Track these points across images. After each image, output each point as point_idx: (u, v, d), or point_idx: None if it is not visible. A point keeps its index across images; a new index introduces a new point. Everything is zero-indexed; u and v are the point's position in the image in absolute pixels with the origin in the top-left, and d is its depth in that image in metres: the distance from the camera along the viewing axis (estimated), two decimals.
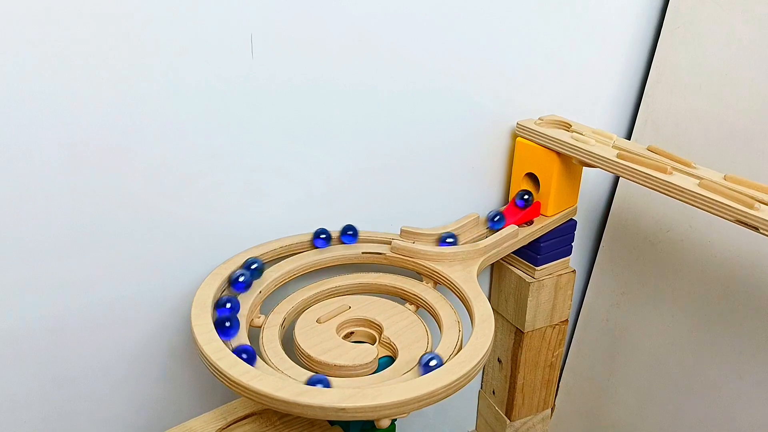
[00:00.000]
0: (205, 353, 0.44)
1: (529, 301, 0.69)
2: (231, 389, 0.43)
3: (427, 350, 0.50)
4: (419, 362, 0.46)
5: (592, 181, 0.76)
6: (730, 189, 0.49)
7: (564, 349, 0.80)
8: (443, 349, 0.49)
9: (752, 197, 0.48)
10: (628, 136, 0.76)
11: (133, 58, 0.46)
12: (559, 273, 0.70)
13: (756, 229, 0.47)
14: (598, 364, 0.82)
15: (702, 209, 0.50)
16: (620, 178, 0.68)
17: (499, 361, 0.78)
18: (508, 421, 0.79)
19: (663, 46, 0.69)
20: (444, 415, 0.85)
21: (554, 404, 0.87)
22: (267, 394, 0.41)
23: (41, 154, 0.45)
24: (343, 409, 0.40)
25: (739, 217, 0.48)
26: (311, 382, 0.43)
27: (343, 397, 0.41)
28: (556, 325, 0.73)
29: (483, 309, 0.50)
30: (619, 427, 0.80)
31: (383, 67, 0.57)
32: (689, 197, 0.51)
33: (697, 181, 0.51)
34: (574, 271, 0.71)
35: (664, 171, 0.53)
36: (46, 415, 0.55)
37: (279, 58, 0.51)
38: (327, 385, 0.43)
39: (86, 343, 0.54)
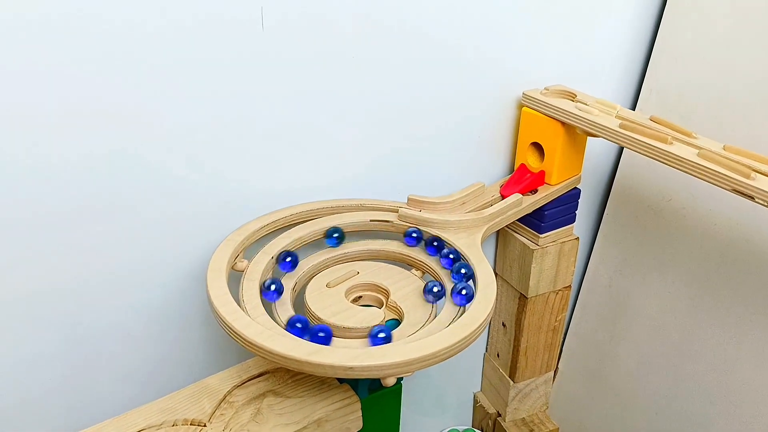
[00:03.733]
0: (221, 315, 0.46)
1: (532, 268, 0.71)
2: (246, 349, 0.45)
3: (431, 314, 0.52)
4: (369, 334, 0.48)
5: (598, 150, 0.77)
6: (727, 159, 0.50)
7: (567, 313, 0.82)
8: (447, 313, 0.51)
9: (749, 167, 0.49)
10: (634, 106, 0.76)
11: (146, 29, 0.47)
12: (563, 240, 0.71)
13: (752, 198, 0.48)
14: (600, 329, 0.84)
15: (700, 178, 0.51)
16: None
17: (504, 325, 0.80)
18: (511, 382, 0.82)
19: (668, 15, 0.70)
20: (451, 376, 0.88)
21: (558, 367, 0.90)
22: (280, 353, 0.43)
23: (58, 123, 0.47)
24: (351, 368, 0.42)
25: (736, 186, 0.49)
26: (291, 322, 0.47)
27: (352, 356, 0.43)
28: (560, 290, 0.75)
29: (486, 275, 0.52)
30: (620, 389, 0.83)
31: (391, 38, 0.58)
32: (688, 167, 0.52)
33: (697, 151, 0.53)
34: (577, 238, 0.73)
35: (664, 141, 0.54)
36: (69, 372, 0.58)
37: (289, 30, 0.53)
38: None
39: (106, 305, 0.56)
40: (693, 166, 0.51)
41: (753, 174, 0.49)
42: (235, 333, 0.45)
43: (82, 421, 0.51)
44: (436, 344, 0.44)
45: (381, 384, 0.48)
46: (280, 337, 0.44)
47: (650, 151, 0.54)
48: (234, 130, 0.55)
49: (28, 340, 0.55)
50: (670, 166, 0.53)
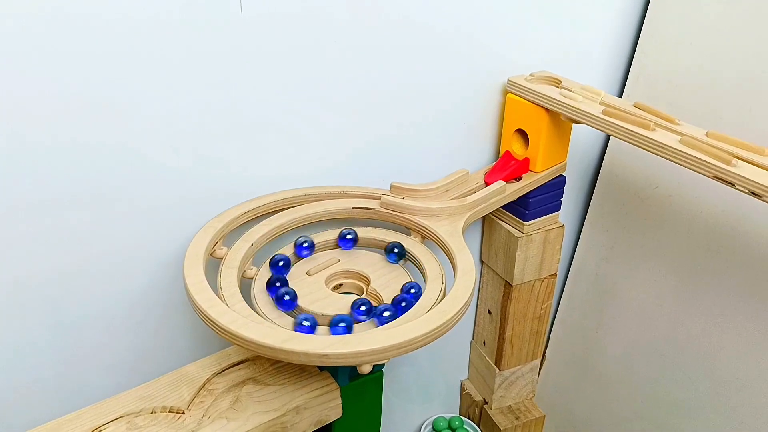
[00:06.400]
0: (197, 303, 0.46)
1: (517, 255, 0.71)
2: (221, 337, 0.45)
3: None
4: (330, 323, 0.49)
5: (585, 137, 0.77)
6: (709, 145, 0.50)
7: (554, 301, 0.82)
8: (426, 300, 0.50)
9: (731, 153, 0.49)
10: (621, 92, 0.76)
11: (128, 19, 0.46)
12: (548, 228, 0.71)
13: (732, 185, 0.48)
14: (587, 316, 0.84)
15: (682, 165, 0.51)
16: None
17: (490, 312, 0.80)
18: (497, 370, 0.82)
19: (655, 1, 0.69)
20: (438, 364, 0.88)
21: (544, 355, 0.90)
22: (254, 340, 0.43)
23: (38, 112, 0.47)
24: (326, 355, 0.42)
25: (716, 173, 0.48)
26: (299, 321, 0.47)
27: (327, 344, 0.43)
28: (545, 278, 0.75)
29: (465, 262, 0.52)
30: (606, 376, 0.83)
31: (374, 24, 0.57)
32: (670, 153, 0.51)
33: (679, 137, 0.52)
34: (562, 226, 0.72)
35: (647, 127, 0.53)
36: (53, 360, 0.58)
37: (271, 17, 0.52)
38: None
39: (86, 293, 0.56)
40: (674, 152, 0.51)
41: (734, 160, 0.48)
42: (210, 320, 0.45)
43: (65, 409, 0.51)
44: (412, 331, 0.44)
45: None
46: (254, 325, 0.44)
47: (633, 137, 0.54)
48: (217, 119, 0.54)
49: (12, 329, 0.54)
50: (652, 152, 0.53)
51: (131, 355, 0.62)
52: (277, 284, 0.51)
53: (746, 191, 0.47)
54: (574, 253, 0.84)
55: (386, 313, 0.48)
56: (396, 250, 0.57)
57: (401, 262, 0.57)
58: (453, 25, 0.61)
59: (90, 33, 0.46)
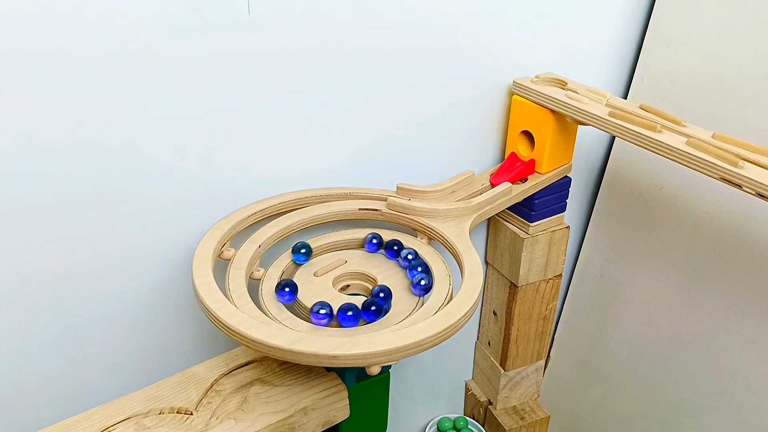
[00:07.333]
0: (206, 303, 0.46)
1: (523, 256, 0.71)
2: (230, 338, 0.45)
3: (418, 303, 0.52)
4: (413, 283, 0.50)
5: (590, 138, 0.77)
6: (716, 147, 0.50)
7: (559, 302, 0.82)
8: (434, 302, 0.51)
9: (737, 155, 0.49)
10: (626, 94, 0.76)
11: (133, 20, 0.47)
12: (553, 229, 0.71)
13: (739, 186, 0.48)
14: (591, 317, 0.84)
15: (689, 167, 0.51)
16: None
17: (495, 313, 0.80)
18: (502, 371, 0.82)
19: (661, 2, 0.69)
20: (442, 364, 0.88)
21: (549, 355, 0.90)
22: (263, 342, 0.43)
23: (45, 113, 0.47)
24: (335, 357, 0.42)
25: (724, 174, 0.49)
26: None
27: (336, 345, 0.43)
28: (550, 279, 0.75)
29: (472, 263, 0.52)
30: (610, 377, 0.83)
31: (379, 25, 0.57)
32: (676, 155, 0.52)
33: (685, 139, 0.52)
34: (568, 227, 0.72)
35: (653, 129, 0.54)
36: (61, 361, 0.58)
37: (276, 19, 0.52)
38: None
39: (93, 294, 0.56)
40: (681, 154, 0.51)
41: (741, 162, 0.48)
42: (219, 321, 0.45)
43: (72, 410, 0.51)
44: (421, 333, 0.44)
45: None
46: (263, 326, 0.44)
47: (639, 139, 0.54)
48: (223, 120, 0.54)
49: (19, 329, 0.55)
50: (658, 154, 0.53)
51: (138, 356, 0.62)
52: (287, 289, 0.51)
53: (753, 193, 0.47)
54: (578, 254, 0.84)
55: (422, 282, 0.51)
56: (375, 240, 0.58)
57: (380, 251, 0.59)
58: (458, 26, 0.61)
59: (98, 35, 0.46)
